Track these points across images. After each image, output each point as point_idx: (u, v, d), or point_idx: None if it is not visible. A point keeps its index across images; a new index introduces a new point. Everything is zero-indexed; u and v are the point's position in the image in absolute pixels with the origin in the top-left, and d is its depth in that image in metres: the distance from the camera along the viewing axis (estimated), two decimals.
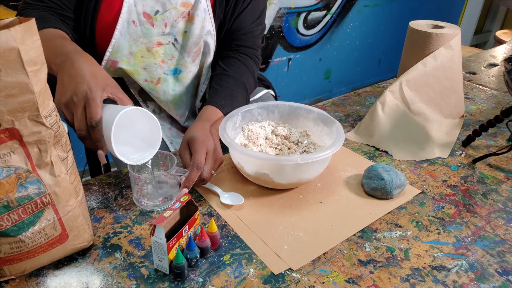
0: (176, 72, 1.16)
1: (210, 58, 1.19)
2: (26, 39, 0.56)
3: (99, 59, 1.07)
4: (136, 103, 1.25)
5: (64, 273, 0.70)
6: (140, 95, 1.24)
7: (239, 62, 1.17)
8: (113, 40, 1.04)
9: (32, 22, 0.58)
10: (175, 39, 1.11)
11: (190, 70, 1.17)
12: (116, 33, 1.03)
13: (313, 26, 3.13)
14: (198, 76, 1.23)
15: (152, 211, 0.84)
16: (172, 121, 1.27)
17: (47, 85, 0.63)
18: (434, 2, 3.83)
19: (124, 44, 1.06)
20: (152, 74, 1.13)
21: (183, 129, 1.28)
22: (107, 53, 1.05)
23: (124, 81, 1.22)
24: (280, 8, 2.85)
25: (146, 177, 0.87)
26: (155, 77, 1.13)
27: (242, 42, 1.19)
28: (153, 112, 1.24)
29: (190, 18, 1.09)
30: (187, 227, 0.71)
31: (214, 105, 1.04)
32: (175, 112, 1.23)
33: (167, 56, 1.12)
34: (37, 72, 0.59)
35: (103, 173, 1.03)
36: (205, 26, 1.11)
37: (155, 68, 1.12)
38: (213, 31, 1.14)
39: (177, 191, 0.87)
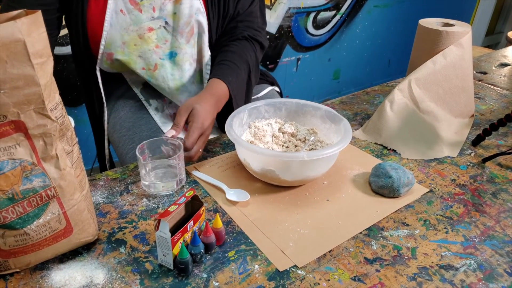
0: (172, 55, 1.15)
1: (206, 38, 1.17)
2: (32, 31, 0.56)
3: (95, 53, 1.08)
4: (138, 101, 1.24)
5: (69, 267, 0.70)
6: (142, 94, 1.24)
7: (243, 41, 1.18)
8: (104, 32, 1.04)
9: (39, 14, 0.58)
10: (166, 22, 1.10)
11: (186, 52, 1.16)
12: (106, 24, 1.03)
13: (323, 26, 3.12)
14: (199, 60, 1.22)
15: (158, 207, 0.84)
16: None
17: (53, 78, 0.63)
18: (445, 2, 3.80)
19: (115, 35, 1.06)
20: (148, 61, 1.12)
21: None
22: (101, 46, 1.06)
23: (125, 79, 1.22)
24: (290, 8, 2.85)
25: (154, 160, 0.90)
26: (152, 64, 1.13)
27: (243, 24, 1.19)
28: (156, 110, 1.23)
29: None
30: (191, 222, 0.71)
31: (222, 80, 1.05)
32: (179, 99, 1.22)
33: (160, 40, 1.12)
34: (43, 65, 0.59)
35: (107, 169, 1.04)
36: (194, 5, 1.11)
37: (150, 54, 1.12)
38: (202, 8, 1.13)
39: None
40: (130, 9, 1.05)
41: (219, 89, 1.03)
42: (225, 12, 1.18)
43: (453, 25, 1.20)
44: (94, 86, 1.18)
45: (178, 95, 1.21)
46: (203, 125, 0.93)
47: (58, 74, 2.07)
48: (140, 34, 1.09)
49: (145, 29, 1.08)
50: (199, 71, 1.23)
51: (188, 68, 1.19)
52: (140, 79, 1.24)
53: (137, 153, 0.85)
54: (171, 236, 0.66)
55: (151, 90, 1.25)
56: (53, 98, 0.62)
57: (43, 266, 0.69)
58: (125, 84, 1.24)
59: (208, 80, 1.13)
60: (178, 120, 0.93)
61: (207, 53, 1.20)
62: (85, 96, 1.26)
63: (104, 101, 1.19)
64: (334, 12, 3.12)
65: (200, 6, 1.12)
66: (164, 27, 1.11)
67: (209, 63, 1.21)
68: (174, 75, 1.17)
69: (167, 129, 1.20)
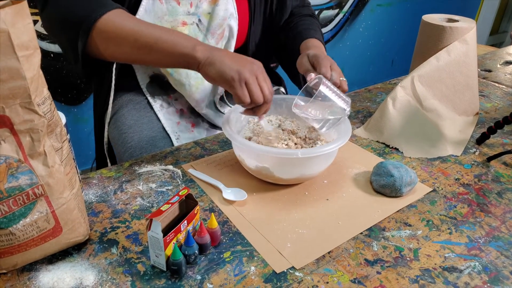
0: None
1: (233, 42, 1.18)
2: (17, 22, 0.54)
3: None
4: (144, 100, 1.21)
5: (58, 268, 0.67)
6: (148, 89, 1.21)
7: (310, 17, 1.28)
8: (137, 17, 1.02)
9: (24, 4, 0.55)
10: (199, 20, 1.10)
11: None
12: (141, 9, 1.02)
13: (325, 25, 3.09)
14: None
15: (152, 206, 0.82)
16: (182, 115, 1.23)
17: (41, 72, 0.61)
18: (449, 1, 3.77)
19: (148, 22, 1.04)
20: None
21: (193, 123, 1.24)
22: None
23: (134, 75, 1.19)
24: None
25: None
26: None
27: (298, 9, 1.30)
28: (161, 107, 1.21)
29: (213, 0, 1.09)
30: (185, 222, 0.69)
31: (317, 38, 1.14)
32: (196, 97, 1.19)
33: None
34: (29, 57, 0.56)
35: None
36: (228, 9, 1.11)
37: None
38: (235, 14, 1.14)
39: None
40: None
41: (317, 43, 1.12)
42: (282, 14, 1.26)
43: (457, 20, 1.17)
44: (106, 74, 1.16)
45: (196, 93, 1.19)
46: (326, 56, 0.97)
47: (57, 72, 2.05)
48: (174, 26, 1.07)
49: (179, 22, 1.07)
50: None
51: None
52: (149, 71, 1.21)
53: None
54: (164, 236, 0.64)
55: (157, 86, 1.23)
56: (40, 92, 0.60)
57: (31, 267, 0.67)
58: (132, 74, 1.22)
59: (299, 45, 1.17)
60: (306, 67, 0.97)
61: None
62: (94, 86, 1.25)
63: (112, 91, 1.17)
64: (337, 10, 3.09)
65: (233, 11, 1.13)
66: (197, 25, 1.10)
67: None
68: (197, 73, 1.15)
69: (171, 127, 1.17)
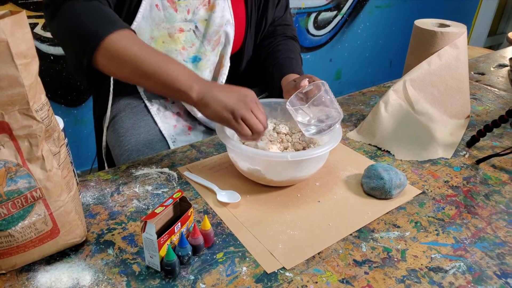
0: (196, 59, 1.16)
1: (230, 48, 1.20)
2: (16, 31, 0.56)
3: None
4: (141, 103, 1.23)
5: (55, 269, 0.69)
6: (145, 93, 1.23)
7: (291, 40, 1.31)
8: (134, 23, 1.04)
9: (23, 14, 0.58)
10: (196, 27, 1.12)
11: (209, 59, 1.18)
12: (138, 16, 1.04)
13: (324, 27, 3.11)
14: (218, 68, 1.23)
15: (148, 208, 0.84)
16: (178, 118, 1.26)
17: (39, 79, 0.63)
18: (446, 2, 3.78)
19: (145, 28, 1.06)
20: None
21: (189, 126, 1.26)
22: None
23: None
24: (290, 8, 2.84)
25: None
26: None
27: (282, 27, 1.33)
28: (158, 110, 1.22)
29: (210, 6, 1.11)
30: (179, 224, 0.71)
31: (297, 73, 1.16)
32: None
33: (187, 43, 1.13)
34: (27, 66, 0.59)
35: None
36: (225, 15, 1.13)
37: (176, 54, 1.12)
38: (232, 20, 1.16)
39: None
40: (166, 6, 1.06)
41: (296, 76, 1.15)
42: (262, 23, 1.27)
43: (448, 25, 1.19)
44: (104, 79, 1.19)
45: None
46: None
47: (57, 74, 2.07)
48: (171, 33, 1.09)
49: (176, 28, 1.09)
50: (212, 79, 1.25)
51: (208, 75, 1.21)
52: None
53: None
54: (158, 238, 0.66)
55: None
56: (38, 99, 0.62)
57: (30, 267, 0.69)
58: (130, 84, 1.23)
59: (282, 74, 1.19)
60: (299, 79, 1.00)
61: (226, 63, 1.22)
62: (93, 91, 1.27)
63: (111, 96, 1.19)
64: (335, 12, 3.11)
65: (230, 17, 1.16)
66: (194, 31, 1.12)
67: (226, 72, 1.23)
68: None
69: (168, 130, 1.19)
